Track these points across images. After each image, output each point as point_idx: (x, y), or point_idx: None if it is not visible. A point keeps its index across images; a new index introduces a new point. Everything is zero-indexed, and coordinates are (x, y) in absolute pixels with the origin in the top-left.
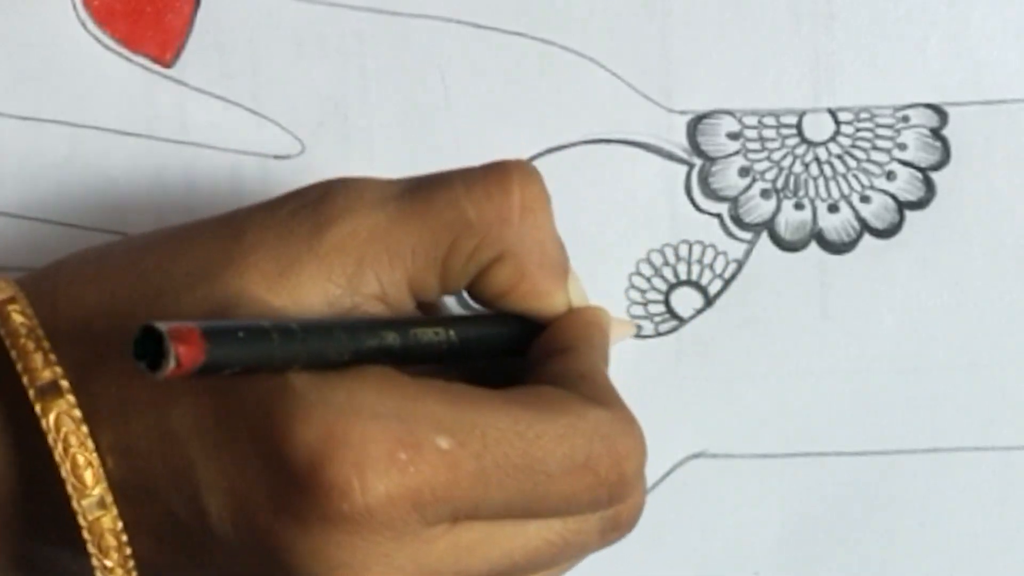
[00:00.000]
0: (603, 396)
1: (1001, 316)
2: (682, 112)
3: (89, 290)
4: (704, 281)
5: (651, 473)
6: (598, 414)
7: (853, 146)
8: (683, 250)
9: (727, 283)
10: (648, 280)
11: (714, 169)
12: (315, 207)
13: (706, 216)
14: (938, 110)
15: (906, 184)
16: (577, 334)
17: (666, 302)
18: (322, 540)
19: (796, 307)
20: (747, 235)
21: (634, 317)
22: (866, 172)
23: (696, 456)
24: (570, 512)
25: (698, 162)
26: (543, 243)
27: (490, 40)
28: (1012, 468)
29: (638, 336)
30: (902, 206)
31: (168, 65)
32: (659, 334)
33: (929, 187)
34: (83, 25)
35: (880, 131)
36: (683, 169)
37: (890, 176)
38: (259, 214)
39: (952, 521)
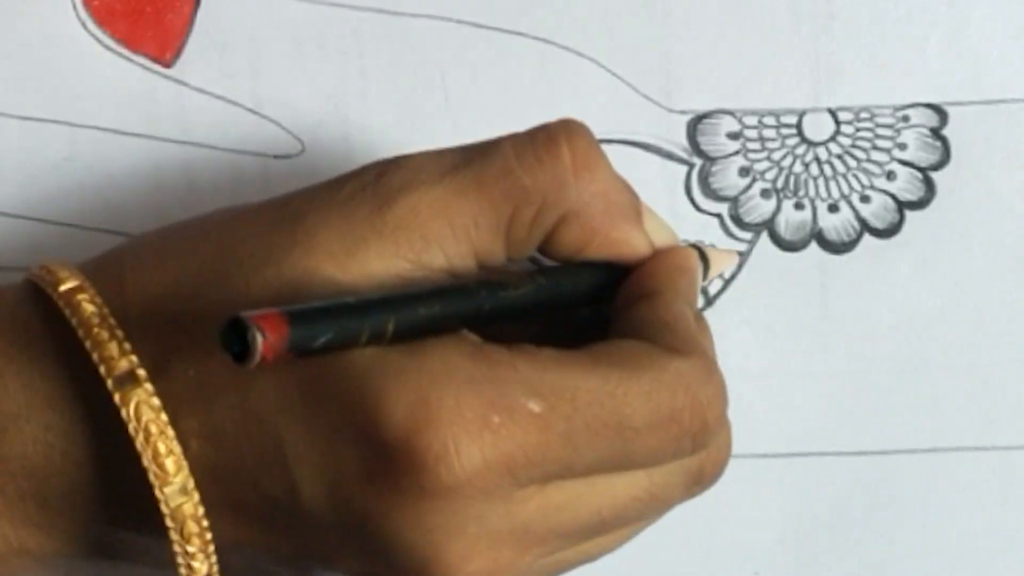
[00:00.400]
0: (684, 344)
1: (1001, 316)
2: (682, 112)
3: (154, 276)
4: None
5: None
6: (679, 365)
7: (853, 146)
8: None
9: (727, 283)
10: None
11: (714, 169)
12: (374, 187)
13: (706, 216)
14: (938, 110)
15: (906, 184)
16: (660, 279)
17: None
18: (418, 507)
19: (796, 307)
20: (747, 235)
21: None
22: (866, 172)
23: None
24: (656, 463)
25: (698, 162)
26: (605, 194)
27: (490, 40)
28: (1012, 468)
29: None
30: (902, 206)
31: (168, 65)
32: None
33: (929, 187)
34: (83, 25)
35: (880, 131)
36: (683, 169)
37: (890, 176)
38: (317, 197)
39: (952, 521)
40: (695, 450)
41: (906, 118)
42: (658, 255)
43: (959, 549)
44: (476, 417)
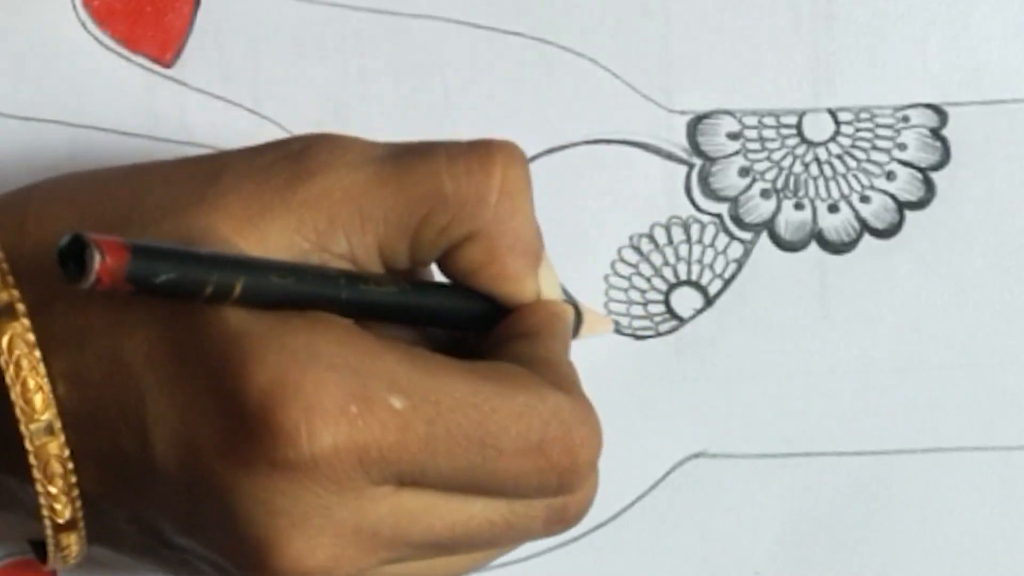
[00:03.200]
0: (564, 382)
1: (1001, 316)
2: (682, 112)
3: (59, 214)
4: (704, 281)
5: (651, 473)
6: (558, 398)
7: (853, 146)
8: (683, 250)
9: (727, 283)
10: (648, 280)
11: (714, 169)
12: (295, 159)
13: (706, 216)
14: (938, 110)
15: (906, 184)
16: (542, 322)
17: (666, 302)
18: (265, 485)
19: (796, 307)
20: (747, 235)
21: (634, 317)
22: (866, 172)
23: (696, 456)
24: (517, 493)
25: (698, 162)
26: (518, 228)
27: (490, 40)
28: (1012, 468)
29: (638, 336)
30: (902, 206)
31: (168, 65)
32: (659, 334)
33: (929, 187)
34: (83, 25)
35: (880, 131)
36: (683, 169)
37: (890, 176)
38: (238, 159)
39: (952, 521)
40: (560, 490)
41: (906, 118)
42: (541, 301)
43: (959, 549)
44: (333, 404)
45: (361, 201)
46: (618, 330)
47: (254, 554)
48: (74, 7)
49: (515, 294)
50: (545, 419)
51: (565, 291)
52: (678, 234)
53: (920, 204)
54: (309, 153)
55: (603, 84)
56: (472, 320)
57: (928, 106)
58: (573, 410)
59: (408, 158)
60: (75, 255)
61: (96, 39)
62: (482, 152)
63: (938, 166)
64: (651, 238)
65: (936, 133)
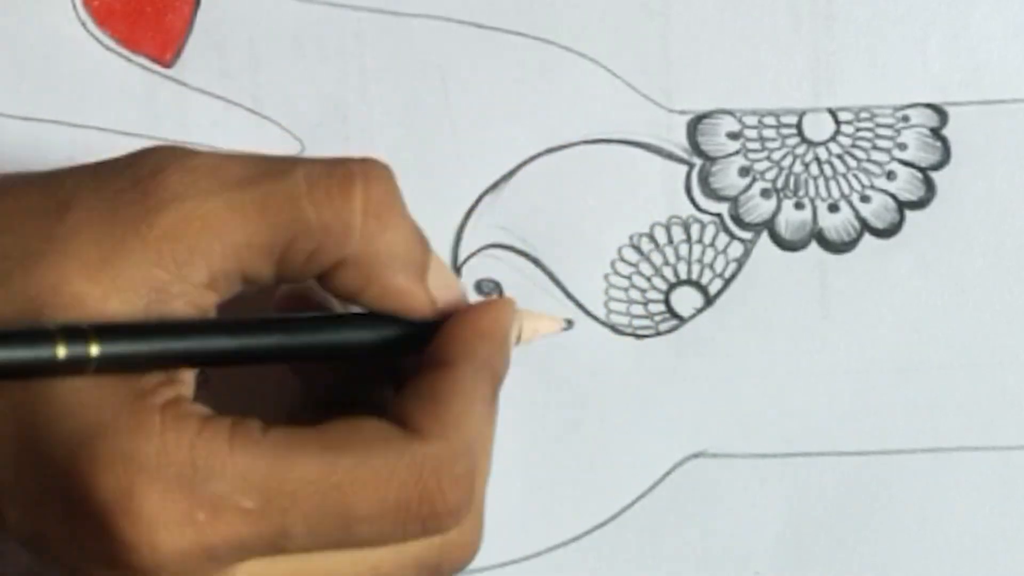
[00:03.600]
0: (439, 424)
1: (1001, 316)
2: (682, 112)
3: None
4: (704, 281)
5: (651, 473)
6: (416, 450)
7: (853, 146)
8: (683, 250)
9: (727, 283)
10: (648, 279)
11: (714, 169)
12: (146, 187)
13: (706, 216)
14: (938, 110)
15: (906, 184)
16: (457, 348)
17: (666, 301)
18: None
19: (796, 307)
20: (747, 235)
21: (634, 316)
22: (866, 172)
23: (696, 456)
24: (381, 544)
25: (698, 162)
26: (390, 245)
27: (490, 40)
28: (1012, 468)
29: (638, 336)
30: (902, 206)
31: (168, 65)
32: (659, 334)
33: (929, 187)
34: (83, 25)
35: (880, 131)
36: (683, 169)
37: (890, 176)
38: (86, 187)
39: (952, 521)
40: (425, 533)
41: (906, 118)
42: (461, 318)
43: (959, 549)
44: (179, 513)
45: (220, 230)
46: (618, 330)
47: None
48: (74, 7)
49: (406, 308)
50: (402, 478)
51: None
52: (678, 234)
53: (920, 204)
54: (160, 178)
55: (603, 84)
56: (382, 344)
57: (928, 106)
58: (435, 459)
59: (267, 182)
60: None
61: (96, 39)
62: (341, 174)
63: (938, 166)
64: (651, 238)
65: (936, 133)
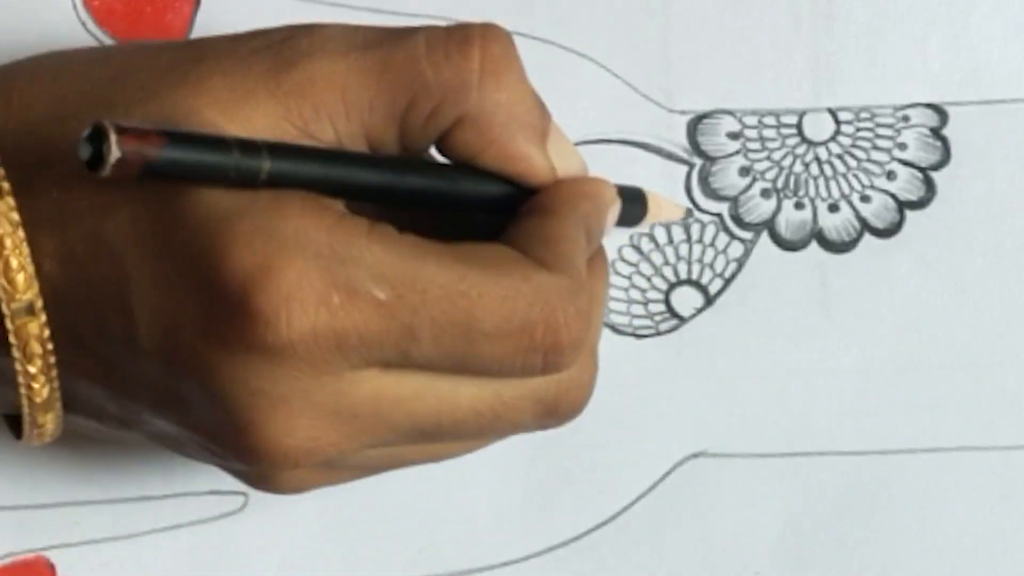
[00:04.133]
0: (558, 261)
1: (1001, 316)
2: (682, 112)
3: (43, 93)
4: (704, 280)
5: (651, 473)
6: (543, 278)
7: (853, 146)
8: (683, 249)
9: (727, 282)
10: (648, 279)
11: (714, 169)
12: (277, 48)
13: (706, 215)
14: (938, 110)
15: (906, 184)
16: (560, 199)
17: (666, 301)
18: (244, 366)
19: (796, 307)
20: (747, 235)
21: (634, 316)
22: (866, 172)
23: (696, 456)
24: (502, 373)
25: (698, 162)
26: (509, 105)
27: None
28: (1012, 468)
29: (638, 335)
30: (902, 206)
31: None
32: (659, 333)
33: (929, 187)
34: (83, 25)
35: (880, 131)
36: (683, 169)
37: (890, 176)
38: (222, 44)
39: (952, 521)
40: (545, 369)
41: (906, 118)
42: (568, 180)
43: (959, 549)
44: (315, 293)
45: (344, 89)
46: (618, 330)
47: (233, 433)
48: (74, 7)
49: (524, 173)
50: (529, 300)
51: (624, 188)
52: (678, 233)
53: (920, 204)
54: (291, 42)
55: (603, 84)
56: (494, 204)
57: (928, 106)
58: (557, 289)
59: (389, 45)
60: (96, 145)
61: (96, 39)
62: (460, 36)
63: (938, 166)
64: (651, 237)
65: (936, 133)
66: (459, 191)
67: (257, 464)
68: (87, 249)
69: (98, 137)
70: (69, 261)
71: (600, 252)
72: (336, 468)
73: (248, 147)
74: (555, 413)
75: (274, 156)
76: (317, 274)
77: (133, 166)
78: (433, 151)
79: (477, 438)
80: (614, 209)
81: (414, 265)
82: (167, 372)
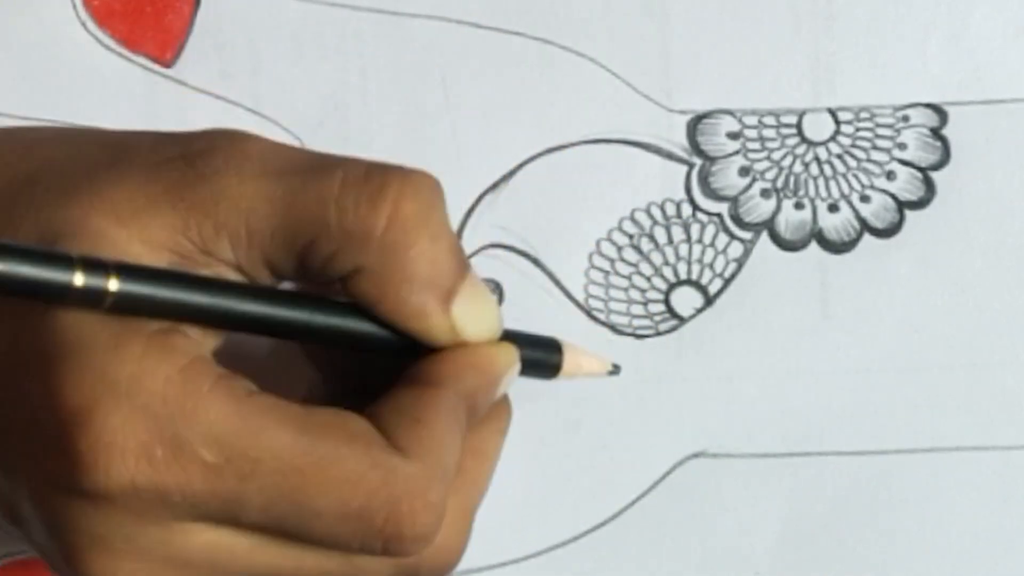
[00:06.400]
0: (420, 446)
1: (1001, 316)
2: (682, 112)
3: None
4: (704, 281)
5: (651, 473)
6: (394, 466)
7: (853, 146)
8: (683, 249)
9: (727, 283)
10: (648, 279)
11: (714, 169)
12: (191, 160)
13: (706, 216)
14: (938, 110)
15: (906, 184)
16: (445, 371)
17: (666, 301)
18: (67, 504)
19: (796, 307)
20: (747, 235)
21: (634, 317)
22: (866, 172)
23: (696, 456)
24: (339, 549)
25: (698, 162)
26: (413, 261)
27: (490, 40)
28: (1012, 468)
29: (638, 336)
30: (902, 206)
31: (168, 65)
32: (659, 334)
33: (929, 187)
34: (83, 25)
35: (880, 131)
36: (683, 169)
37: (890, 176)
38: (141, 148)
39: (952, 521)
40: (386, 553)
41: (906, 118)
42: (459, 348)
43: (959, 549)
44: (137, 445)
45: (248, 215)
46: (618, 330)
47: (62, 563)
48: (74, 7)
49: (420, 332)
50: (373, 487)
51: (537, 337)
52: (678, 233)
53: (920, 204)
54: (207, 156)
55: (603, 84)
56: (389, 347)
57: (928, 106)
58: (410, 480)
59: (304, 178)
60: None
61: (96, 39)
62: (376, 184)
63: (938, 166)
64: (651, 237)
65: (936, 133)
66: (352, 331)
67: None
68: None
69: None
70: None
71: (502, 401)
72: None
73: (93, 265)
74: (419, 575)
75: (123, 277)
76: (143, 425)
77: None
78: None
79: None
80: (511, 373)
81: (251, 431)
82: (10, 488)
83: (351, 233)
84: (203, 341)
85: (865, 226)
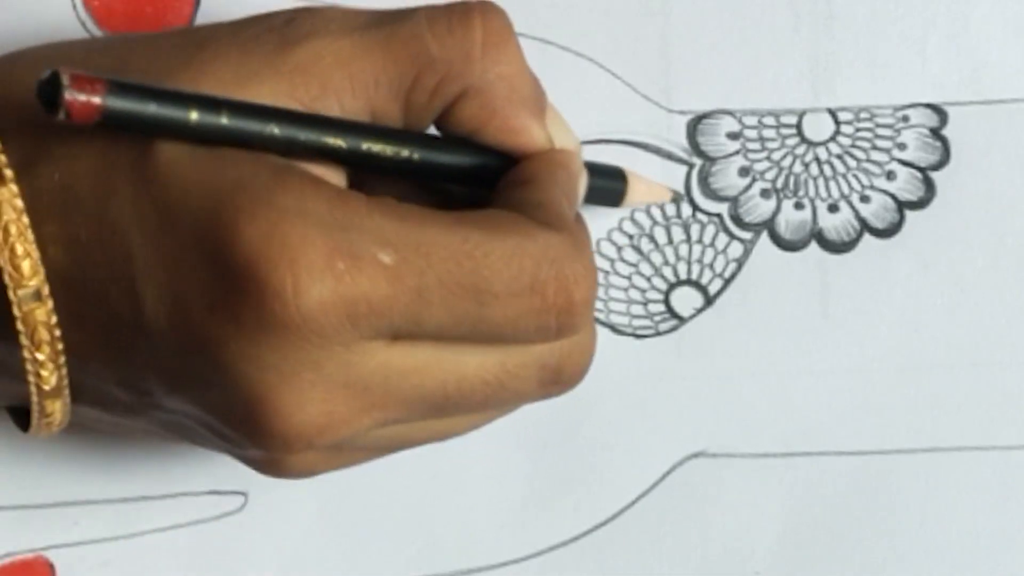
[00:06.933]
0: (557, 221)
1: (1001, 316)
2: (682, 112)
3: None
4: (704, 281)
5: (651, 473)
6: (548, 237)
7: (853, 146)
8: (683, 250)
9: (727, 283)
10: (648, 280)
11: (714, 169)
12: (280, 30)
13: (706, 216)
14: (938, 110)
15: (906, 184)
16: (539, 169)
17: (666, 302)
18: (253, 340)
19: (796, 307)
20: (747, 235)
21: (634, 317)
22: (866, 172)
23: (696, 456)
24: (516, 338)
25: (698, 162)
26: (511, 78)
27: None
28: (1012, 468)
29: (638, 336)
30: (902, 206)
31: None
32: (659, 334)
33: (929, 187)
34: (83, 25)
35: (880, 131)
36: (683, 169)
37: (890, 176)
38: (224, 30)
39: (952, 521)
40: (559, 332)
41: (906, 118)
42: (548, 151)
43: (959, 549)
44: (320, 260)
45: (351, 66)
46: (618, 330)
47: (245, 410)
48: (74, 7)
49: (524, 145)
50: (536, 259)
51: (604, 166)
52: (678, 234)
53: (920, 204)
54: (294, 24)
55: (603, 84)
56: (483, 174)
57: (928, 106)
58: (564, 247)
59: (391, 23)
60: (54, 92)
61: None
62: (461, 10)
63: (938, 166)
64: (651, 238)
65: (936, 133)
66: (441, 162)
67: (270, 442)
68: (91, 232)
69: (56, 84)
70: (73, 245)
71: (581, 219)
72: (344, 449)
73: (206, 103)
74: (559, 380)
75: (233, 113)
76: (321, 240)
77: (86, 111)
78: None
79: (482, 410)
80: (583, 180)
81: (416, 229)
82: (176, 351)
83: (453, 57)
84: (339, 183)
85: (865, 226)
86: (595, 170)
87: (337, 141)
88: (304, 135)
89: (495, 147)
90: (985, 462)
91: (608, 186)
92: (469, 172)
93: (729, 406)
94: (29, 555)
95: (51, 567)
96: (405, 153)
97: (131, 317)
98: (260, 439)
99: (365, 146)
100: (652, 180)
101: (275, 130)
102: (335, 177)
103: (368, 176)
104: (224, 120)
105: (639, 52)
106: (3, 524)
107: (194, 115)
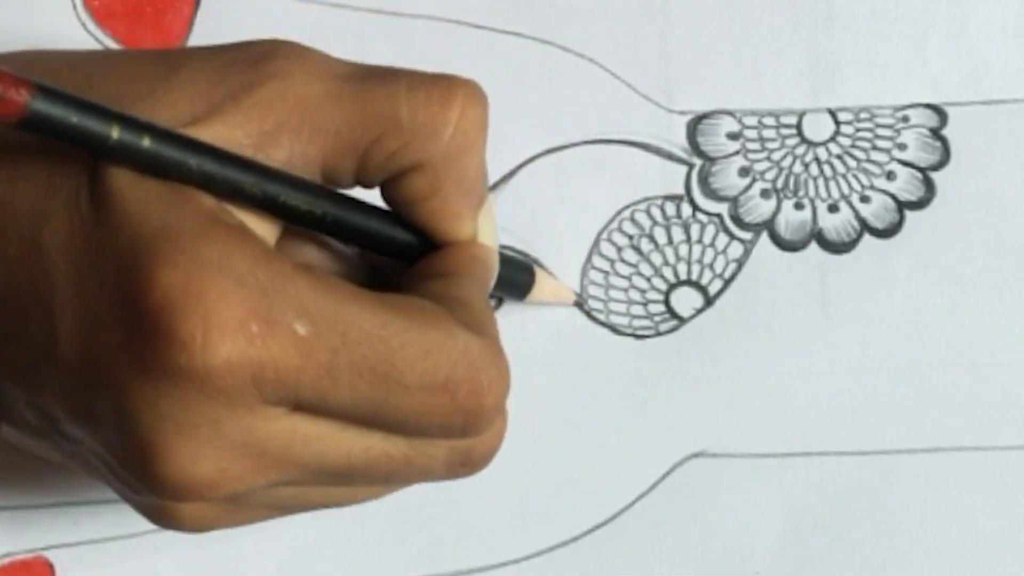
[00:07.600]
0: (478, 324)
1: (1001, 316)
2: (682, 112)
3: None
4: (704, 281)
5: (651, 473)
6: (469, 339)
7: (853, 146)
8: (683, 250)
9: (727, 283)
10: (648, 280)
11: (714, 169)
12: (254, 62)
13: (706, 216)
14: (938, 110)
15: (906, 184)
16: (463, 261)
17: (666, 302)
18: (156, 388)
19: (796, 307)
20: (747, 235)
21: (634, 317)
22: (866, 172)
23: (696, 456)
24: (419, 432)
25: (698, 162)
26: (466, 166)
27: (490, 40)
28: (1012, 468)
29: (638, 336)
30: (902, 206)
31: None
32: (659, 334)
33: (929, 187)
34: (83, 25)
35: (880, 131)
36: (683, 169)
37: (890, 176)
38: (199, 56)
39: (952, 521)
40: (465, 432)
41: (906, 118)
42: (464, 243)
43: (959, 549)
44: (234, 319)
45: (315, 111)
46: (618, 330)
47: (139, 456)
48: (74, 7)
49: (451, 232)
50: (453, 359)
51: (522, 253)
52: (678, 234)
53: (920, 204)
54: (270, 57)
55: (603, 84)
56: (396, 248)
57: (928, 106)
58: (482, 352)
59: (371, 79)
60: None
61: (96, 39)
62: (444, 85)
63: (938, 166)
64: (651, 238)
65: (936, 133)
66: (354, 225)
67: (160, 488)
68: (20, 250)
69: None
70: (1, 259)
71: (492, 313)
72: (240, 506)
73: (129, 123)
74: (467, 462)
75: (155, 138)
76: (238, 299)
77: (8, 108)
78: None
79: (386, 483)
80: (493, 275)
81: (337, 304)
82: (82, 384)
83: (421, 129)
84: (268, 237)
85: (865, 226)
86: (508, 263)
87: (253, 189)
88: (221, 175)
89: (422, 225)
90: (985, 462)
91: (517, 279)
92: (382, 242)
93: (729, 406)
94: (29, 555)
95: (51, 567)
96: (319, 212)
97: (45, 342)
98: (150, 483)
99: (282, 198)
100: (559, 282)
101: (192, 163)
102: (268, 230)
103: (306, 233)
104: (146, 143)
105: (639, 52)
106: (3, 524)
107: (116, 132)
